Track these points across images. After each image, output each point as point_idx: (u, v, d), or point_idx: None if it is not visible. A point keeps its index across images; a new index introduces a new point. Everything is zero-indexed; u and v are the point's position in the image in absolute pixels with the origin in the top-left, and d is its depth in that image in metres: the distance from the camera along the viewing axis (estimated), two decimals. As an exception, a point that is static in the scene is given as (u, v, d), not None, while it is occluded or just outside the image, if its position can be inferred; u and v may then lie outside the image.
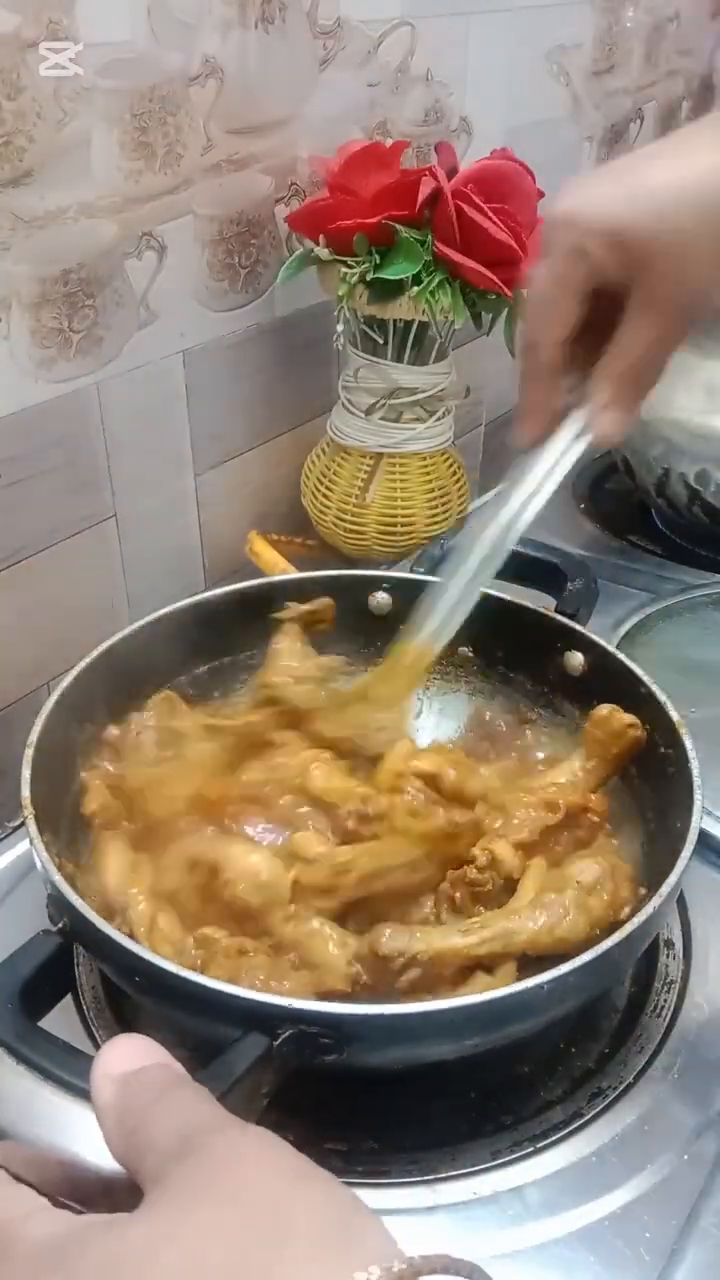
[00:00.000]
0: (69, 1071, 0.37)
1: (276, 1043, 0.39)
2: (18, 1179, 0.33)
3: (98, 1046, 0.51)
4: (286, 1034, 0.39)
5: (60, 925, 0.45)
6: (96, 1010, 0.53)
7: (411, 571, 0.68)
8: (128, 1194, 0.32)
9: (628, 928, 0.44)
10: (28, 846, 0.47)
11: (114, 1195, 0.34)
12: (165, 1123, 0.30)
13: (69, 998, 0.53)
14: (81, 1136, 0.35)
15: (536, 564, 0.69)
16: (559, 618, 0.63)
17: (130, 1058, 0.32)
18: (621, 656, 0.59)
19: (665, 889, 0.46)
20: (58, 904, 0.45)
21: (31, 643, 0.76)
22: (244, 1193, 0.27)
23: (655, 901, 0.45)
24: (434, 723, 0.66)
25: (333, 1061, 0.41)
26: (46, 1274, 0.27)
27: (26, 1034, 0.39)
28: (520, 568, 0.69)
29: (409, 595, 0.66)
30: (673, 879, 0.46)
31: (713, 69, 1.41)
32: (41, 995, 0.43)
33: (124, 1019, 0.53)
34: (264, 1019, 0.40)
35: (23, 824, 0.49)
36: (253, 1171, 0.28)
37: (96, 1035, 0.52)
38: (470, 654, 0.67)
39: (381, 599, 0.67)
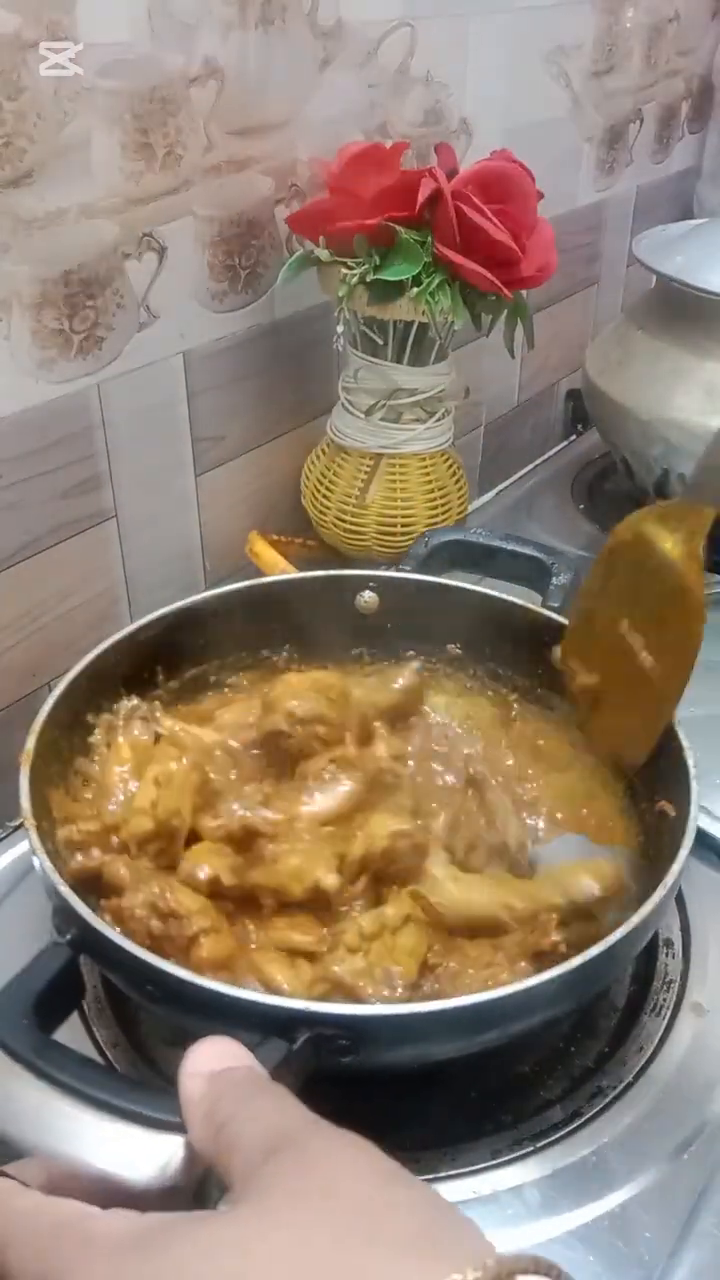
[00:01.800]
0: (86, 1084, 0.37)
1: (295, 1046, 0.39)
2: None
3: (99, 1048, 0.51)
4: (304, 1038, 0.39)
5: (68, 936, 0.44)
6: (98, 1010, 0.53)
7: (398, 570, 0.68)
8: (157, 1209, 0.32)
9: (631, 922, 0.44)
10: (28, 847, 0.47)
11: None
12: (255, 1121, 0.30)
13: (70, 998, 0.53)
14: (100, 1150, 0.35)
15: (521, 560, 0.69)
16: (545, 612, 0.64)
17: (219, 1058, 0.33)
18: None
19: (667, 882, 0.46)
20: (65, 915, 0.45)
21: (31, 643, 0.76)
22: (335, 1192, 0.27)
23: (658, 895, 0.45)
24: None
25: (349, 1063, 0.41)
26: (139, 1261, 0.27)
27: (43, 1048, 0.39)
28: (505, 564, 0.70)
29: (395, 594, 0.67)
30: (675, 870, 0.47)
31: (713, 69, 1.41)
32: (54, 1008, 0.43)
33: (125, 1019, 0.53)
34: (281, 1023, 0.40)
35: (22, 825, 0.49)
36: (344, 1171, 0.28)
37: (97, 1036, 0.52)
38: (459, 651, 0.67)
39: (368, 598, 0.67)
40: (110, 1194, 0.34)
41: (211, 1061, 0.33)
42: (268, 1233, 0.26)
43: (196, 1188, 0.35)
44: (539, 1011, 0.45)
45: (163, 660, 0.63)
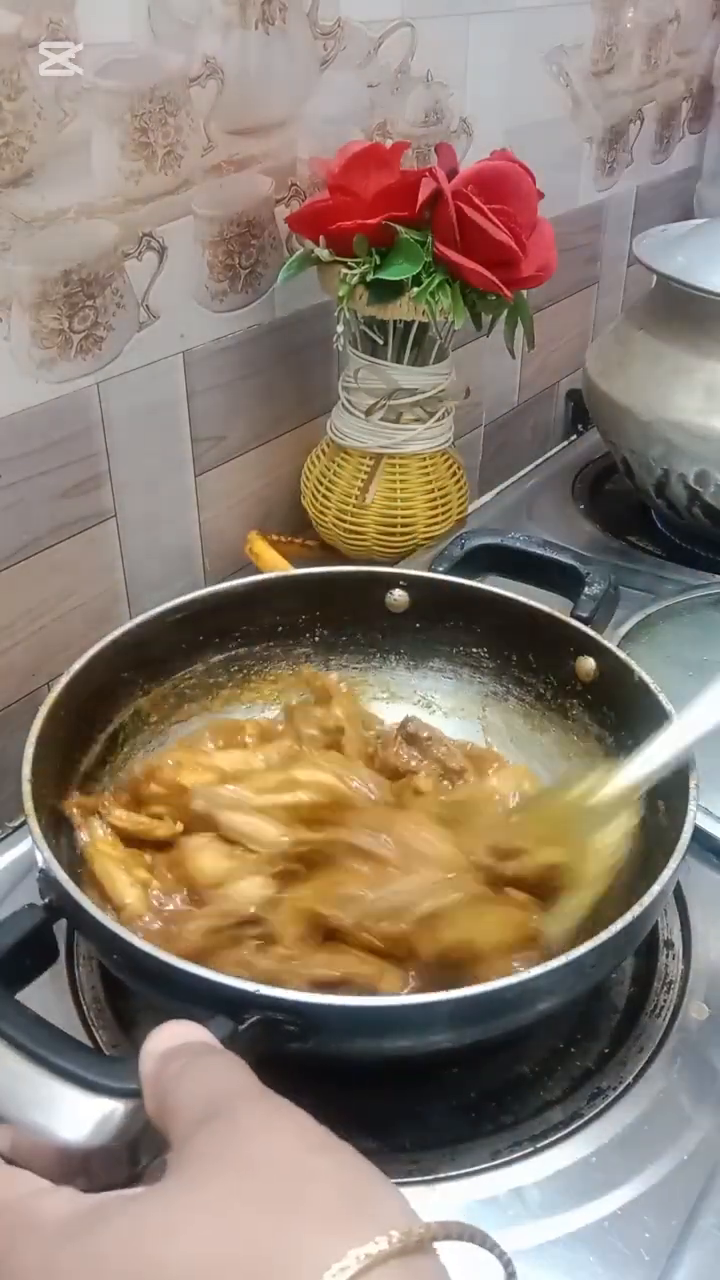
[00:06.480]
0: (34, 1042, 0.37)
1: (242, 1027, 0.39)
2: (10, 1163, 0.34)
3: (97, 1046, 0.51)
4: (252, 1019, 0.40)
5: (48, 900, 0.45)
6: (96, 1010, 0.53)
7: (431, 570, 0.68)
8: (105, 1172, 0.34)
9: (627, 918, 0.44)
10: (28, 847, 0.47)
11: (91, 1174, 0.35)
12: (194, 1087, 0.31)
13: (69, 999, 0.53)
14: (38, 1107, 0.36)
15: (556, 567, 0.69)
16: (573, 622, 0.63)
17: (173, 1038, 0.34)
18: (635, 667, 0.58)
19: (666, 873, 0.46)
20: (47, 879, 0.45)
21: (31, 643, 0.76)
22: (257, 1164, 0.27)
23: (660, 883, 0.45)
24: (444, 725, 0.66)
25: (299, 1049, 0.41)
26: (70, 1247, 0.27)
27: (4, 1007, 0.39)
28: (539, 571, 0.69)
29: (425, 594, 0.67)
30: (673, 863, 0.46)
31: (713, 69, 1.41)
32: (21, 967, 0.44)
33: (123, 1018, 0.53)
34: (229, 1003, 0.40)
35: (23, 824, 0.49)
36: (273, 1139, 0.28)
37: (96, 1035, 0.52)
38: (484, 655, 0.67)
39: (398, 596, 0.67)
40: (68, 1161, 0.35)
41: (167, 1041, 0.34)
42: (190, 1212, 0.26)
43: (128, 1151, 0.36)
44: (527, 1008, 0.44)
45: (178, 650, 0.63)
